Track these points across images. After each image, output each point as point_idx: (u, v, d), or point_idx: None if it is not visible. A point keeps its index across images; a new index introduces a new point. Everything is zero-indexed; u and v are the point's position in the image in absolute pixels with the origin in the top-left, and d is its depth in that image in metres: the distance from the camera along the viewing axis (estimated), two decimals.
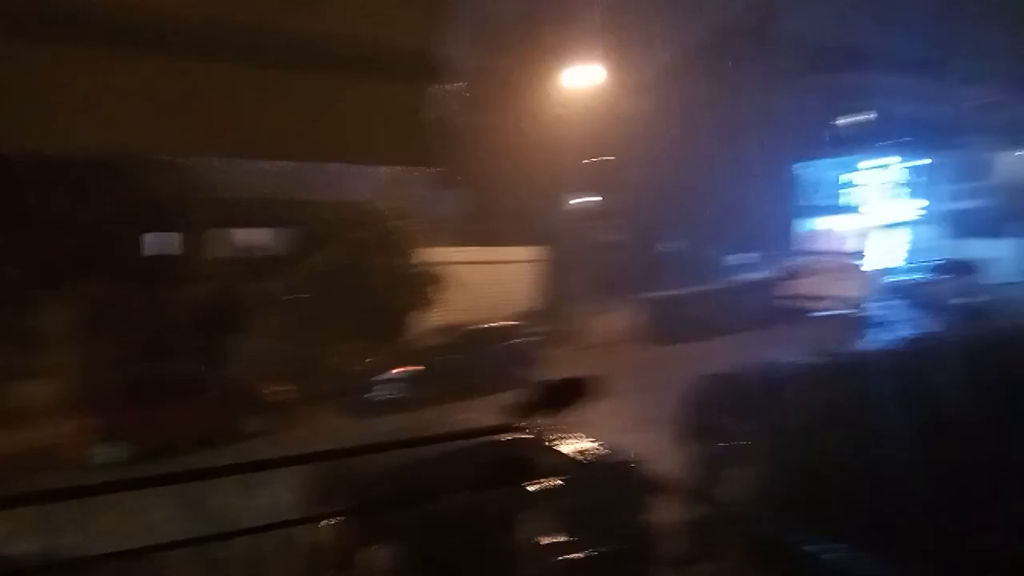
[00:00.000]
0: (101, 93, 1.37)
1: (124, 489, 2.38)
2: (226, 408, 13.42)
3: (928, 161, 32.90)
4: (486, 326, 16.99)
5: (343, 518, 6.67)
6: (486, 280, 20.83)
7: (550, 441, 2.81)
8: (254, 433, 13.41)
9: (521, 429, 2.80)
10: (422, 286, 18.16)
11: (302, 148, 1.57)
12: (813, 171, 31.41)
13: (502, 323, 17.70)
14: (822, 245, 30.21)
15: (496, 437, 2.94)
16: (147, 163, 15.85)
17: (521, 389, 2.86)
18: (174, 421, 12.57)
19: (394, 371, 15.33)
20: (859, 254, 28.29)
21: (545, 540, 4.12)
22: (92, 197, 15.28)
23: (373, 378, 15.27)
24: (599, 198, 29.92)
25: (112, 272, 15.72)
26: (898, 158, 31.80)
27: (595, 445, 8.67)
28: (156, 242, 19.56)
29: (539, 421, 2.84)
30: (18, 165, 12.39)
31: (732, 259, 27.64)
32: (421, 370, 15.36)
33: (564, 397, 2.80)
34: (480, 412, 13.63)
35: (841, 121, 30.23)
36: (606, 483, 6.36)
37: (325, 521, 6.72)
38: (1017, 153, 34.50)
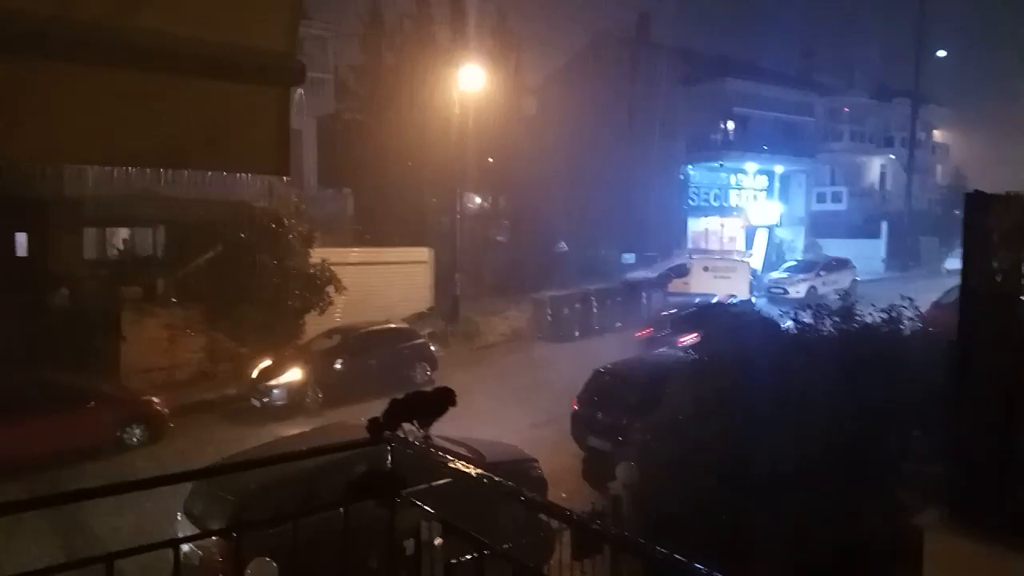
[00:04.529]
0: None
1: None
2: (105, 419, 12.53)
3: (800, 167, 34.99)
4: (380, 328, 16.68)
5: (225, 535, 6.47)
6: (379, 281, 20.54)
7: (422, 447, 2.85)
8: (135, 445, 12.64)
9: (392, 440, 2.82)
10: (314, 287, 17.57)
11: (152, 153, 1.52)
12: (695, 174, 32.79)
13: (396, 325, 17.43)
14: (707, 245, 31.55)
15: (369, 448, 2.95)
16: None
17: (394, 398, 2.90)
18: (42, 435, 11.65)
19: (285, 376, 14.70)
20: (742, 252, 29.77)
21: (427, 544, 4.18)
22: None
23: (263, 384, 14.68)
24: (489, 200, 30.18)
25: None
26: (772, 163, 33.64)
27: (479, 446, 8.70)
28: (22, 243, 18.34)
29: (409, 429, 2.88)
30: None
31: (622, 258, 28.45)
32: (313, 375, 14.87)
33: (428, 407, 2.85)
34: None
35: (721, 126, 31.70)
36: (491, 483, 6.39)
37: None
38: (875, 159, 37.28)
